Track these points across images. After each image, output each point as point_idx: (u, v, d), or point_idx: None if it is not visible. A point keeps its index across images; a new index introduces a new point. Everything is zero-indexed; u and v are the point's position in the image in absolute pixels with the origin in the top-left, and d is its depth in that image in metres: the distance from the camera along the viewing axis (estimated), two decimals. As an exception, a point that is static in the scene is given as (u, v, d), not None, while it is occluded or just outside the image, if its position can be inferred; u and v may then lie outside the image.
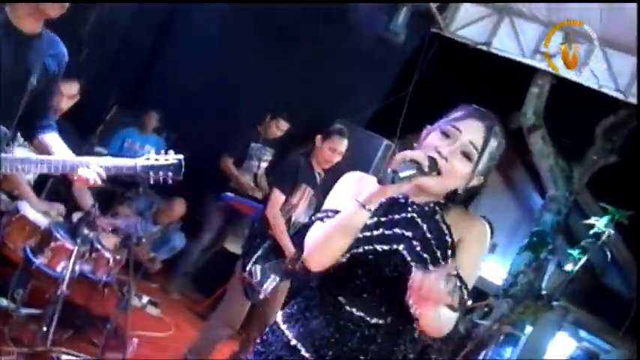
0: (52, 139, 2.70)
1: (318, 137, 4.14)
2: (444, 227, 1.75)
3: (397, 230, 1.74)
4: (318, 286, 1.78)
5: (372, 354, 1.72)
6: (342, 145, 4.12)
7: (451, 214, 1.78)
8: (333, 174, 4.19)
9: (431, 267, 1.68)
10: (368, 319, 1.73)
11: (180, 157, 2.60)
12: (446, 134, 1.73)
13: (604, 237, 6.09)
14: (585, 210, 6.91)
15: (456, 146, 1.71)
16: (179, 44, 6.45)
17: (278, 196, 4.01)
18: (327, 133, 4.13)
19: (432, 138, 1.74)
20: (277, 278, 4.03)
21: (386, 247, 1.72)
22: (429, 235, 1.74)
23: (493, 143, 1.73)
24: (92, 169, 2.50)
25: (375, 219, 1.73)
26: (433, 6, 6.18)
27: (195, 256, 5.73)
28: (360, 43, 5.91)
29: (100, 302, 4.12)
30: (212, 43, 6.20)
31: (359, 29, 5.83)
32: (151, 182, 2.57)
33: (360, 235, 1.69)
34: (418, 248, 1.73)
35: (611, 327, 7.58)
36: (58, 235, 3.74)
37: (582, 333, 8.36)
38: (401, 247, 1.72)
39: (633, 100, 5.80)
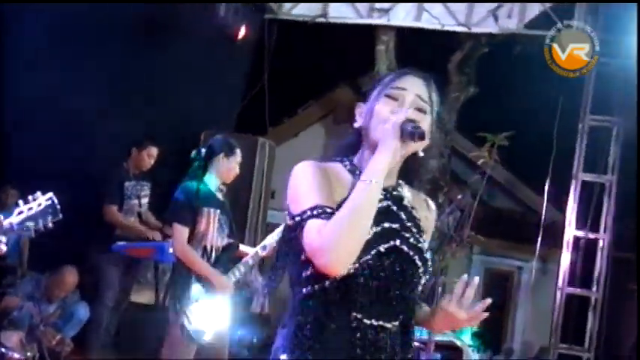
0: None
1: (221, 155, 3.88)
2: (413, 212, 1.74)
3: (385, 225, 1.65)
4: (323, 307, 1.61)
5: (398, 355, 1.67)
6: (240, 155, 3.94)
7: (408, 195, 1.76)
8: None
9: (427, 255, 1.69)
10: (387, 325, 1.64)
11: (49, 194, 2.53)
12: (392, 97, 1.69)
13: (491, 163, 6.35)
14: (459, 149, 7.19)
15: (409, 103, 1.68)
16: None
17: (180, 230, 3.74)
18: (229, 149, 3.90)
19: (381, 107, 1.68)
20: (216, 311, 3.78)
21: (387, 246, 1.63)
22: (408, 224, 1.70)
23: (434, 96, 1.73)
24: None
25: None
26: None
27: (106, 321, 5.25)
28: (200, 47, 5.70)
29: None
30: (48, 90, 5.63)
31: (194, 33, 5.64)
32: (32, 235, 2.48)
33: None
34: (411, 239, 1.68)
35: (516, 243, 8.00)
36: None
37: (492, 259, 8.82)
38: (397, 242, 1.64)
39: (476, 29, 6.06)
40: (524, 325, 7.66)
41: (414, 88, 1.68)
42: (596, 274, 6.51)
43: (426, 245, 1.71)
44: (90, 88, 5.39)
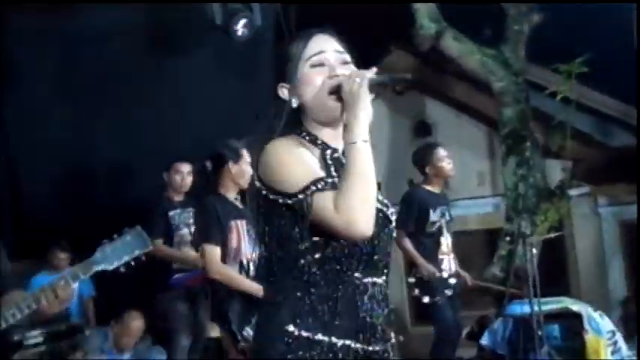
0: None
1: (230, 164, 4.40)
2: None
3: None
4: (324, 273, 2.01)
5: (386, 305, 2.11)
6: (248, 155, 4.40)
7: None
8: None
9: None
10: (378, 280, 2.09)
11: (137, 227, 2.94)
12: (318, 65, 2.09)
13: (573, 95, 6.74)
14: (540, 83, 7.51)
15: (334, 61, 2.09)
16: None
17: (212, 251, 4.25)
18: (235, 154, 4.41)
19: (313, 78, 2.08)
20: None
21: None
22: None
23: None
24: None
25: None
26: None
27: (185, 364, 6.01)
28: (210, 53, 6.49)
29: None
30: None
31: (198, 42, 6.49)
32: (122, 270, 2.89)
33: None
34: (379, 196, 2.09)
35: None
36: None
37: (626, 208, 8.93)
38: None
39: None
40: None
41: (329, 46, 2.10)
42: None
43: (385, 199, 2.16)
44: (105, 121, 6.32)
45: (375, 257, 2.06)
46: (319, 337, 1.98)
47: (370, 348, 2.04)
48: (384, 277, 2.10)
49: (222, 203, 4.36)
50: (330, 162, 2.08)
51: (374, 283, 2.06)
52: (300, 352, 1.97)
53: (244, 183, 4.41)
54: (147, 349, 5.93)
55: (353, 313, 2.02)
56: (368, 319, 2.03)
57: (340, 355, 1.99)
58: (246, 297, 4.23)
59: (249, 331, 4.18)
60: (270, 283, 2.09)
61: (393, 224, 2.15)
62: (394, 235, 2.18)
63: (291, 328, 1.98)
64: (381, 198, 2.11)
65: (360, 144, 1.95)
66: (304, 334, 1.98)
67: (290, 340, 1.98)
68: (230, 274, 4.26)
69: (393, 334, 2.15)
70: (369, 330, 2.03)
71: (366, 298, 2.04)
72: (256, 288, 4.18)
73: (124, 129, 6.67)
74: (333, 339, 1.98)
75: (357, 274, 2.03)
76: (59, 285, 2.74)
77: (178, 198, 6.07)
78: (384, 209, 2.11)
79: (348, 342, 2.00)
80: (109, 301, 6.34)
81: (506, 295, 5.86)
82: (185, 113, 6.71)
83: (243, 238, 4.34)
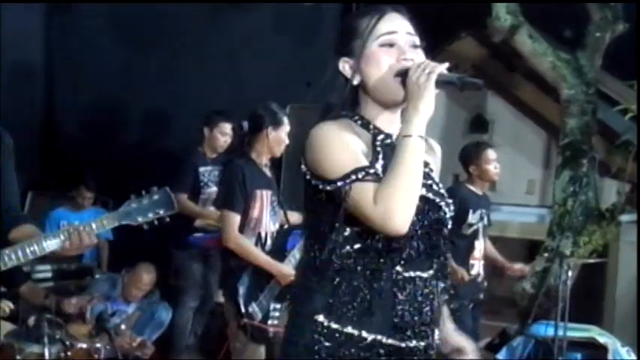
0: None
1: (269, 129, 4.35)
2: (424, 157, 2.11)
3: None
4: (363, 265, 2.00)
5: (433, 309, 2.09)
6: (288, 124, 4.41)
7: None
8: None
9: (449, 199, 2.13)
10: (423, 275, 2.06)
11: (165, 188, 2.99)
12: (387, 45, 2.06)
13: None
14: (614, 97, 7.26)
15: (405, 43, 2.06)
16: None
17: (232, 219, 4.20)
18: (276, 120, 4.37)
19: (381, 57, 2.05)
20: (279, 304, 4.25)
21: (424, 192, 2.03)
22: (425, 170, 2.04)
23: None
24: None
25: None
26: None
27: (189, 324, 6.05)
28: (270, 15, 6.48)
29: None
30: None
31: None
32: (145, 227, 2.92)
33: None
34: (434, 186, 2.11)
35: None
36: (23, 346, 4.13)
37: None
38: (424, 191, 2.03)
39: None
40: None
41: (401, 27, 2.06)
42: None
43: (443, 189, 2.15)
44: (151, 64, 6.34)
45: (421, 250, 2.04)
46: (348, 330, 1.99)
47: (404, 344, 2.03)
48: (431, 272, 2.08)
49: (250, 168, 4.31)
50: (379, 148, 2.05)
51: (419, 278, 2.05)
52: (328, 344, 1.99)
53: (278, 151, 4.42)
54: (153, 304, 5.94)
55: (388, 308, 2.01)
56: (405, 314, 2.02)
57: (369, 350, 2.00)
58: (257, 272, 4.22)
59: (255, 308, 4.20)
60: (306, 270, 2.09)
61: (448, 215, 2.10)
62: (448, 226, 2.11)
63: (321, 318, 2.00)
64: (436, 188, 2.11)
65: (415, 139, 1.94)
66: (333, 325, 1.99)
67: (319, 330, 1.99)
68: (247, 246, 4.21)
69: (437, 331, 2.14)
70: (405, 326, 2.02)
71: (405, 293, 2.02)
72: (272, 265, 4.19)
73: (169, 75, 6.68)
74: (364, 333, 1.99)
75: (397, 268, 2.02)
76: (85, 231, 2.76)
77: (211, 155, 6.08)
78: (437, 199, 2.07)
79: (379, 337, 2.00)
80: (124, 248, 6.38)
81: (532, 314, 5.73)
82: (234, 69, 6.68)
83: (265, 208, 4.30)
